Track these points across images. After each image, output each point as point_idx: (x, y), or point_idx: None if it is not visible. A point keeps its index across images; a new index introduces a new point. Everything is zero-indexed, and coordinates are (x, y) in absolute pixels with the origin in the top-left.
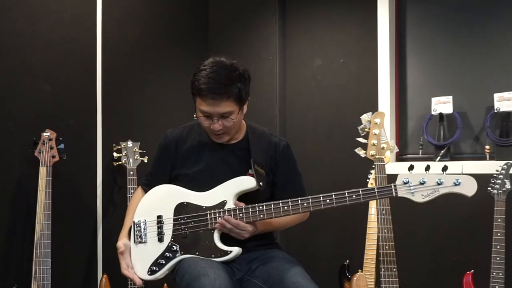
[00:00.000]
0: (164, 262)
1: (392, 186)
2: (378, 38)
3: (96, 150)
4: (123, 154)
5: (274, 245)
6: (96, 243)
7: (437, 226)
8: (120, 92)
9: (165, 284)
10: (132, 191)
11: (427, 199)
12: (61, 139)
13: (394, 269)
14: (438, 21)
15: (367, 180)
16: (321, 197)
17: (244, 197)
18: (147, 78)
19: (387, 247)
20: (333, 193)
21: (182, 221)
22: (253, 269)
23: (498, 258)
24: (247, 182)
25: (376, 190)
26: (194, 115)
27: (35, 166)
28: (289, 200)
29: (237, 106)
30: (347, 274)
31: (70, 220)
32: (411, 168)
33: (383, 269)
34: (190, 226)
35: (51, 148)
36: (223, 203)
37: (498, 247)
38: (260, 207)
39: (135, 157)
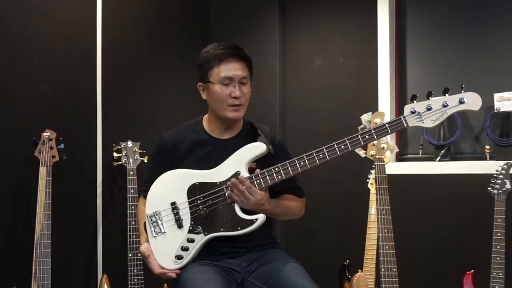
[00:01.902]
0: (189, 247)
1: (402, 118)
2: (378, 38)
3: (96, 150)
4: (123, 154)
5: (273, 245)
6: (96, 243)
7: (437, 226)
8: (120, 92)
9: (165, 284)
10: (132, 191)
11: (437, 122)
12: (61, 139)
13: (394, 269)
14: (438, 21)
15: (367, 180)
16: (335, 145)
17: None
18: (147, 78)
19: (387, 247)
20: (345, 138)
21: (199, 201)
22: (253, 270)
23: (498, 258)
24: (257, 148)
25: (387, 125)
26: (200, 84)
27: (35, 166)
28: (304, 155)
29: (250, 76)
30: (347, 274)
31: (70, 220)
32: (413, 98)
33: (383, 269)
34: (208, 205)
35: (51, 148)
36: (237, 174)
37: (498, 247)
38: (276, 168)
39: (135, 157)
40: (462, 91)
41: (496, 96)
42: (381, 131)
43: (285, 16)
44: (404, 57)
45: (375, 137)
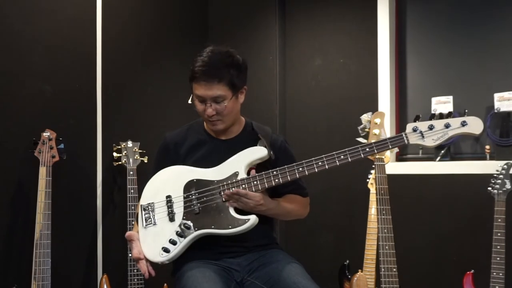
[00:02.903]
0: (177, 241)
1: (403, 135)
2: (378, 38)
3: (96, 150)
4: (123, 154)
5: (274, 245)
6: (96, 243)
7: (437, 226)
8: (120, 92)
9: (165, 284)
10: (132, 191)
11: (438, 142)
12: (61, 139)
13: (394, 269)
14: (438, 21)
15: (367, 180)
16: (335, 154)
17: None
18: (147, 78)
19: (387, 247)
20: (346, 149)
21: (193, 197)
22: (253, 270)
23: (498, 258)
24: (258, 151)
25: (388, 140)
26: (189, 101)
27: (35, 166)
28: (303, 161)
29: (230, 91)
30: (347, 274)
31: (70, 220)
32: (417, 118)
33: (383, 269)
34: (202, 201)
35: (51, 148)
36: (235, 174)
37: (498, 247)
38: (275, 172)
39: (135, 157)
40: (465, 115)
41: (496, 96)
42: (381, 145)
43: (285, 16)
44: (404, 57)
45: (375, 151)
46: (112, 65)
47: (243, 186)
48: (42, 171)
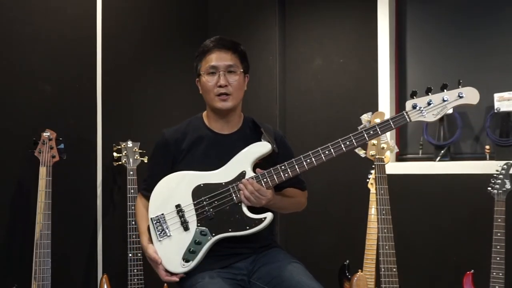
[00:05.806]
0: (196, 250)
1: (404, 113)
2: (378, 38)
3: (96, 150)
4: (123, 154)
5: (273, 244)
6: (96, 243)
7: (437, 226)
8: (120, 92)
9: (165, 284)
10: (132, 191)
11: (438, 116)
12: (61, 139)
13: (394, 269)
14: (438, 21)
15: (367, 180)
16: (340, 141)
17: None
18: (147, 78)
19: (387, 247)
20: (350, 134)
21: (205, 203)
22: (255, 271)
23: (498, 258)
24: (262, 147)
25: (390, 120)
26: (197, 79)
27: (35, 166)
28: (309, 152)
29: (241, 65)
30: (347, 274)
31: (70, 220)
32: (413, 94)
33: (383, 269)
34: (214, 206)
35: (51, 148)
36: (243, 174)
37: (498, 247)
38: (283, 167)
39: (135, 157)
40: (460, 86)
41: (496, 96)
42: (384, 126)
43: (285, 16)
44: (404, 57)
45: (379, 132)
46: (112, 65)
47: None
48: (42, 171)
